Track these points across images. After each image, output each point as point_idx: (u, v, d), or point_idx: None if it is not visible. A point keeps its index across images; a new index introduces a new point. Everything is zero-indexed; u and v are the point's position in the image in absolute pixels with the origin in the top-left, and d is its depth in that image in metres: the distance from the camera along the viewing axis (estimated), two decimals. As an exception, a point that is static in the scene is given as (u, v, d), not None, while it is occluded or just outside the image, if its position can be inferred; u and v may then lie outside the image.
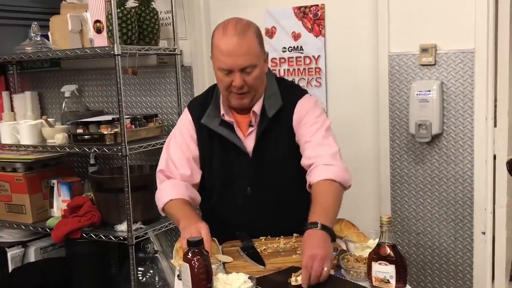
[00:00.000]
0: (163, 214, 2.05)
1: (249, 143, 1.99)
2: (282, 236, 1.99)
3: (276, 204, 2.01)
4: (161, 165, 2.06)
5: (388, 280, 1.50)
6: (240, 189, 2.01)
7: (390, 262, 1.50)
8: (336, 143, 1.96)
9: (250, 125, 2.01)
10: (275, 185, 2.01)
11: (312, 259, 1.54)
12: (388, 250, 1.51)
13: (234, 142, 1.98)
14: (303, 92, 2.07)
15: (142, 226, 2.87)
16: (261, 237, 2.00)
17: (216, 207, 2.07)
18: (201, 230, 1.71)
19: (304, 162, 1.95)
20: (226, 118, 1.99)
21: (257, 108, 1.98)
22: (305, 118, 1.98)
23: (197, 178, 2.04)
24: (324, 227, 1.66)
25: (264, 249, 1.89)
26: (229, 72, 1.88)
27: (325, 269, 1.54)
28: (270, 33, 2.96)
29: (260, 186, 2.00)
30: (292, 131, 2.00)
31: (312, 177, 1.87)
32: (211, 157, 2.02)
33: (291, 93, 2.05)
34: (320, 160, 1.89)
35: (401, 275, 1.51)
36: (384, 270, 1.51)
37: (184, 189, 1.98)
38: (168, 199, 1.94)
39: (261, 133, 1.98)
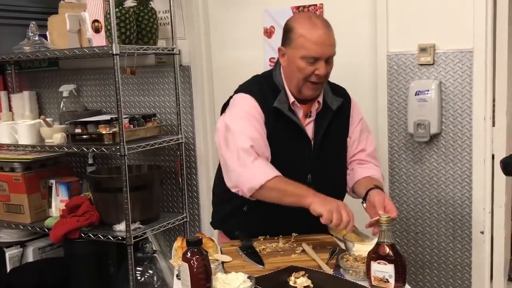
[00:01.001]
0: (248, 194, 1.92)
1: (308, 132, 2.06)
2: (281, 236, 1.99)
3: (330, 193, 2.00)
4: (245, 142, 1.92)
5: (387, 279, 1.50)
6: (300, 176, 2.00)
7: (389, 262, 1.50)
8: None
9: (308, 116, 2.08)
10: (333, 176, 2.09)
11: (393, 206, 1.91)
12: (387, 250, 1.51)
13: (302, 128, 2.04)
14: (346, 91, 2.21)
15: (141, 226, 2.87)
16: (260, 237, 2.00)
17: None
18: (347, 209, 1.79)
19: (356, 160, 2.16)
20: (296, 105, 2.05)
21: (320, 98, 2.08)
22: (361, 122, 2.17)
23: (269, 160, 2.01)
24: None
25: (263, 248, 1.89)
26: (315, 60, 1.95)
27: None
28: (269, 32, 2.96)
29: (320, 174, 2.05)
30: (347, 126, 2.15)
31: (371, 172, 2.11)
32: (275, 139, 2.02)
33: (339, 90, 2.18)
34: (377, 167, 2.18)
35: (400, 275, 1.51)
36: (383, 270, 1.51)
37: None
38: (274, 175, 1.89)
39: (328, 123, 2.06)
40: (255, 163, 1.91)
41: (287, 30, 2.02)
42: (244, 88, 2.10)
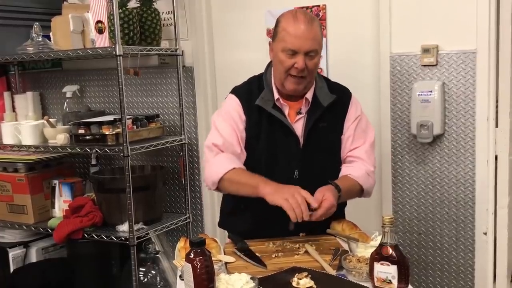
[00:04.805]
0: (213, 188, 2.06)
1: (298, 128, 2.08)
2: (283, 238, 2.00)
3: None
4: (213, 139, 2.09)
5: (390, 280, 1.51)
6: (286, 171, 2.06)
7: (392, 263, 1.50)
8: (374, 160, 2.20)
9: (299, 113, 2.09)
10: (322, 172, 2.08)
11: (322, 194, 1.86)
12: (390, 251, 1.51)
13: (287, 125, 2.06)
14: (349, 91, 2.21)
15: (144, 226, 2.87)
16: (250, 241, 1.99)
17: None
18: (301, 191, 1.80)
19: (346, 155, 2.14)
20: (281, 102, 2.09)
21: (309, 95, 2.09)
22: (358, 120, 2.15)
23: (243, 158, 2.10)
24: (337, 187, 1.96)
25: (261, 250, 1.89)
26: (293, 53, 1.98)
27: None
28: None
29: (308, 170, 2.07)
30: (342, 124, 2.14)
31: (353, 170, 2.09)
32: (259, 136, 2.08)
33: (340, 89, 2.19)
34: (364, 166, 2.11)
35: (403, 276, 1.51)
36: (386, 271, 1.51)
37: (241, 164, 2.05)
38: (231, 167, 1.99)
39: (315, 120, 2.07)
40: (216, 157, 2.05)
41: (275, 25, 2.09)
42: (234, 88, 2.21)
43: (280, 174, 2.03)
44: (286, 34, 1.99)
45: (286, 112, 2.09)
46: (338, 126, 2.14)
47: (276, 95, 2.08)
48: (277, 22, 2.08)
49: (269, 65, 2.17)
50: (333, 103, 2.10)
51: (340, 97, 2.13)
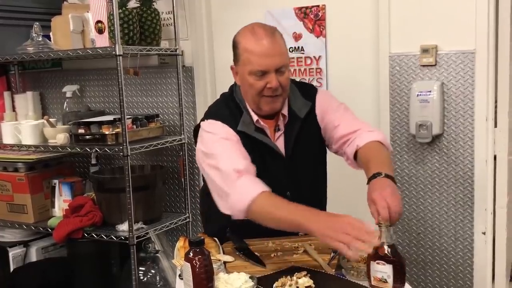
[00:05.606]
0: (242, 216, 1.77)
1: (280, 147, 1.99)
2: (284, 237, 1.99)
3: (312, 205, 2.01)
4: (238, 164, 1.81)
5: (385, 279, 1.51)
6: (279, 194, 1.91)
7: (388, 262, 1.50)
8: (362, 121, 2.03)
9: (277, 129, 2.00)
10: (311, 186, 2.03)
11: (384, 199, 1.61)
12: (386, 250, 1.51)
13: (272, 146, 1.97)
14: (315, 88, 2.13)
15: (143, 226, 2.88)
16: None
17: None
18: (354, 222, 1.53)
19: (339, 139, 1.99)
20: (261, 123, 1.97)
21: (285, 111, 1.99)
22: (328, 107, 2.04)
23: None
24: (387, 176, 1.72)
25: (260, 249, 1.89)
26: (263, 74, 1.86)
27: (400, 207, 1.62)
28: (271, 33, 2.96)
29: (298, 188, 1.99)
30: (319, 127, 2.04)
31: (359, 141, 1.92)
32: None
33: (307, 91, 2.08)
34: (361, 130, 1.96)
35: (399, 275, 1.51)
36: (382, 270, 1.51)
37: (267, 186, 1.78)
38: (260, 191, 1.73)
39: (296, 134, 1.98)
40: (238, 182, 1.78)
41: (234, 46, 1.94)
42: (213, 113, 2.02)
43: None
44: (250, 55, 1.85)
45: (268, 132, 1.98)
46: (315, 134, 2.04)
47: (255, 117, 1.96)
48: (235, 43, 1.93)
49: (236, 85, 2.03)
50: (309, 111, 2.00)
51: (312, 102, 2.04)
